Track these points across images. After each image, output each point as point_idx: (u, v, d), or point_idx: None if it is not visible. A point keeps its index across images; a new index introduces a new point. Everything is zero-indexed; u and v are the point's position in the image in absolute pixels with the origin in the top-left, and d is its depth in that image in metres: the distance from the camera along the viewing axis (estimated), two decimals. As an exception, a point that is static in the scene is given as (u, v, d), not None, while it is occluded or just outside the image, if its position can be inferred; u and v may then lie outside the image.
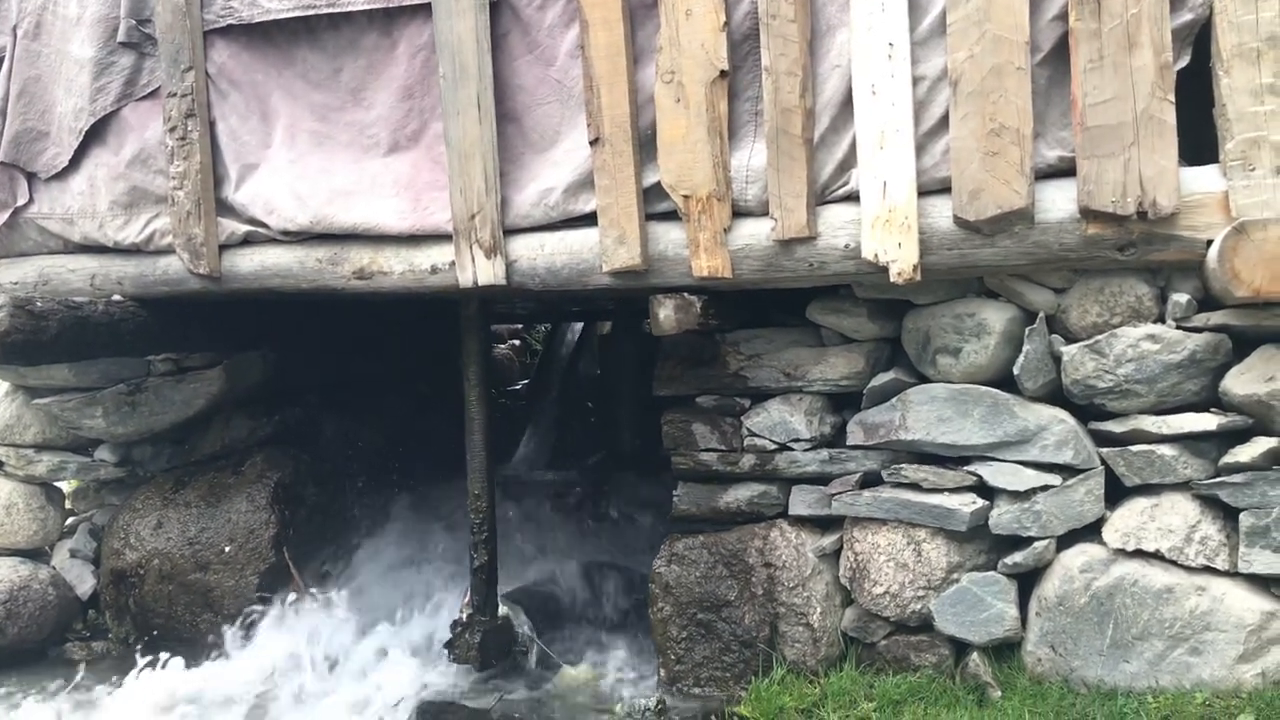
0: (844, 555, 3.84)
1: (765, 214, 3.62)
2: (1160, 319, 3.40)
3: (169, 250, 4.53)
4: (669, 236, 3.77)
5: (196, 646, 4.85)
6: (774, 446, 3.95)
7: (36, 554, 5.32)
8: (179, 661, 4.71)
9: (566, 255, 3.91)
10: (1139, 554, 3.40)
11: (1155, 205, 3.18)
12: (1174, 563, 3.36)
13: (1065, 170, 3.32)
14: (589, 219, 3.85)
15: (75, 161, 4.68)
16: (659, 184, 3.72)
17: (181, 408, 5.15)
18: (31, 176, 4.79)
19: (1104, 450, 3.50)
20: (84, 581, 5.30)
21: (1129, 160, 3.18)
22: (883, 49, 3.39)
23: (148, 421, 5.08)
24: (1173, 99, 3.15)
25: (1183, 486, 3.41)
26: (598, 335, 8.73)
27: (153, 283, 4.63)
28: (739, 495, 4.03)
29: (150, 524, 5.07)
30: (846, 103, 3.50)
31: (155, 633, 4.97)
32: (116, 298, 4.69)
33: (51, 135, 4.72)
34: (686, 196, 3.67)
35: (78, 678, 4.72)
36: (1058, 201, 3.31)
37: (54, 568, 5.28)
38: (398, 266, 4.18)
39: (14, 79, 4.71)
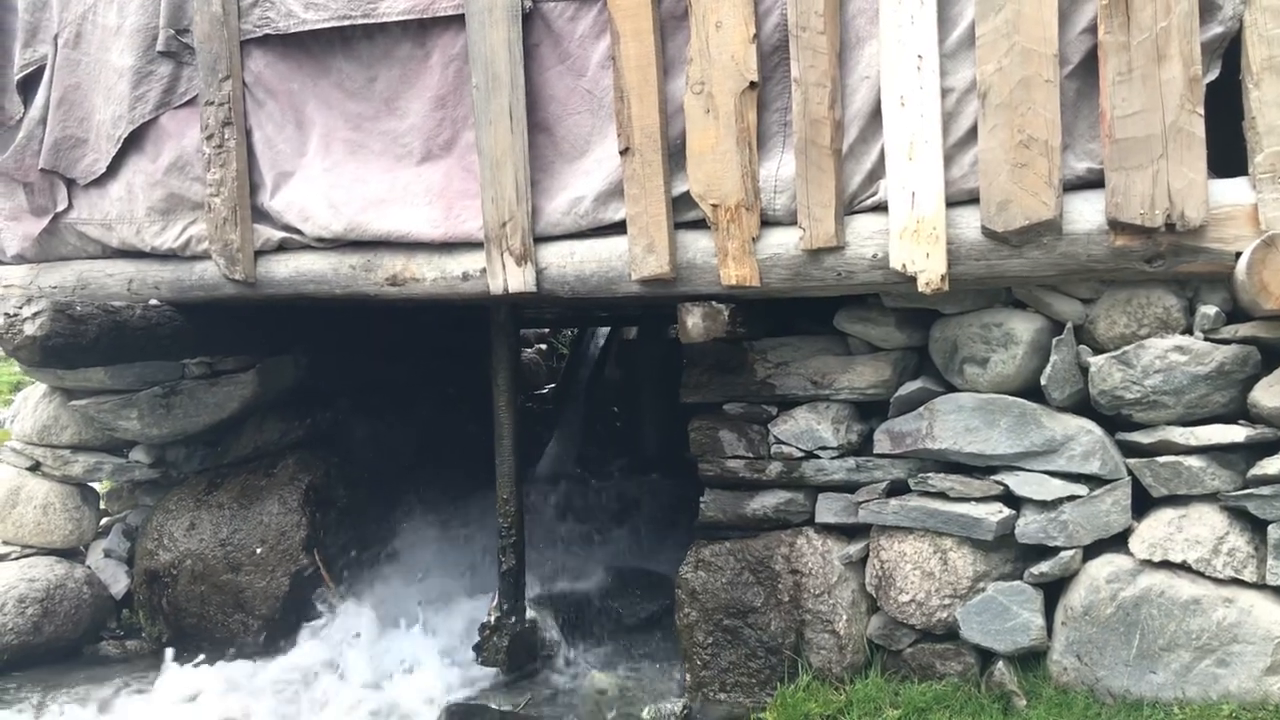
0: (870, 563, 3.86)
1: (793, 223, 3.64)
2: (1188, 330, 3.40)
3: (205, 256, 4.61)
4: (698, 245, 3.80)
5: (228, 646, 4.93)
6: (801, 454, 3.97)
7: (72, 553, 5.41)
8: (210, 661, 4.78)
9: (596, 263, 3.95)
10: (1166, 565, 3.40)
11: (1184, 217, 3.18)
12: (1201, 574, 3.35)
13: (1094, 182, 3.32)
14: (618, 227, 3.89)
15: (114, 168, 4.77)
16: (688, 193, 3.75)
17: (215, 410, 5.23)
18: (71, 183, 4.90)
19: (1131, 461, 3.50)
20: (118, 581, 5.38)
21: (1158, 172, 3.19)
22: (912, 61, 3.41)
23: (182, 424, 5.15)
24: (1202, 112, 3.15)
25: (1210, 498, 3.40)
26: (624, 340, 8.76)
27: (189, 288, 4.71)
28: (766, 502, 4.05)
29: (183, 525, 5.15)
30: (875, 114, 3.52)
31: (188, 632, 5.05)
32: (153, 302, 4.78)
33: (90, 142, 4.81)
34: (715, 206, 3.70)
35: (111, 675, 4.80)
36: (1086, 213, 3.32)
37: (89, 567, 5.37)
38: (430, 273, 4.23)
39: (54, 87, 4.82)
